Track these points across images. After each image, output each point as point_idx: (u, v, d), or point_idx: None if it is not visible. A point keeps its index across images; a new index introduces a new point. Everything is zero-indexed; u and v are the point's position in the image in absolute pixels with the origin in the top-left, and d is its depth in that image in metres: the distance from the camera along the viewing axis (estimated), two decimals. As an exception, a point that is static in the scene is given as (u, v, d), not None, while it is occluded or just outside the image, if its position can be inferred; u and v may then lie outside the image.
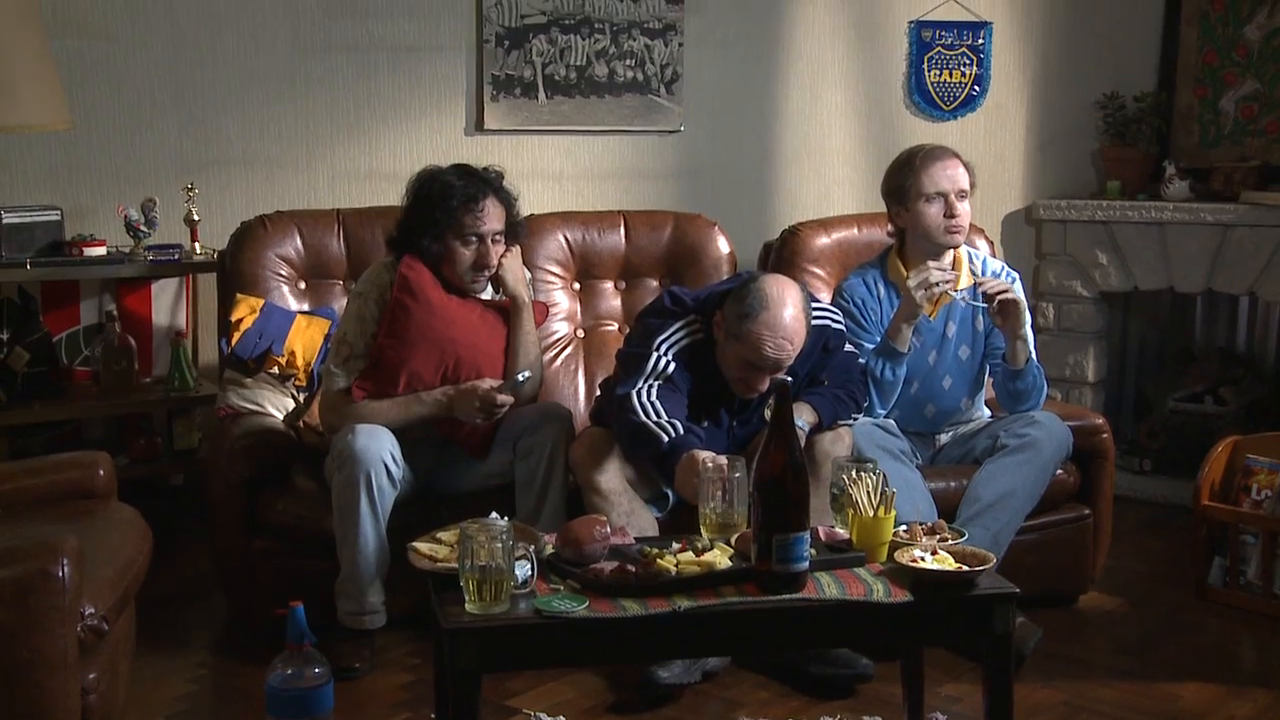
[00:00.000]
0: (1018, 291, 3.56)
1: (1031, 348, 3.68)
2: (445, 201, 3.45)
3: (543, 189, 4.54)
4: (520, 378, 3.42)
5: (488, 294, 3.61)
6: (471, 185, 3.49)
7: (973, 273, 3.71)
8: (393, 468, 3.29)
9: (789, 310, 3.16)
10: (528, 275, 3.69)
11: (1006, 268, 3.80)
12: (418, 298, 3.43)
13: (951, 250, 3.68)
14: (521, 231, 3.64)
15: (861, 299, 3.71)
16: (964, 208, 3.64)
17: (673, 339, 3.31)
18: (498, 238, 3.51)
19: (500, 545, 2.35)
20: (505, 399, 3.39)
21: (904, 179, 3.65)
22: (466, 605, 2.36)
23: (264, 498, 3.46)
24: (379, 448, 3.27)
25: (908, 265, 3.70)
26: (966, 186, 3.65)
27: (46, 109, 3.61)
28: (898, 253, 3.75)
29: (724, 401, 3.36)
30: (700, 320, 3.33)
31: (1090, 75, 5.09)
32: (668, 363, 3.27)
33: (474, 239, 3.47)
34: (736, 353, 3.22)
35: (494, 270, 3.53)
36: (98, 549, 2.75)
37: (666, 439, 3.10)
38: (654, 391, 3.24)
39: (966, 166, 3.68)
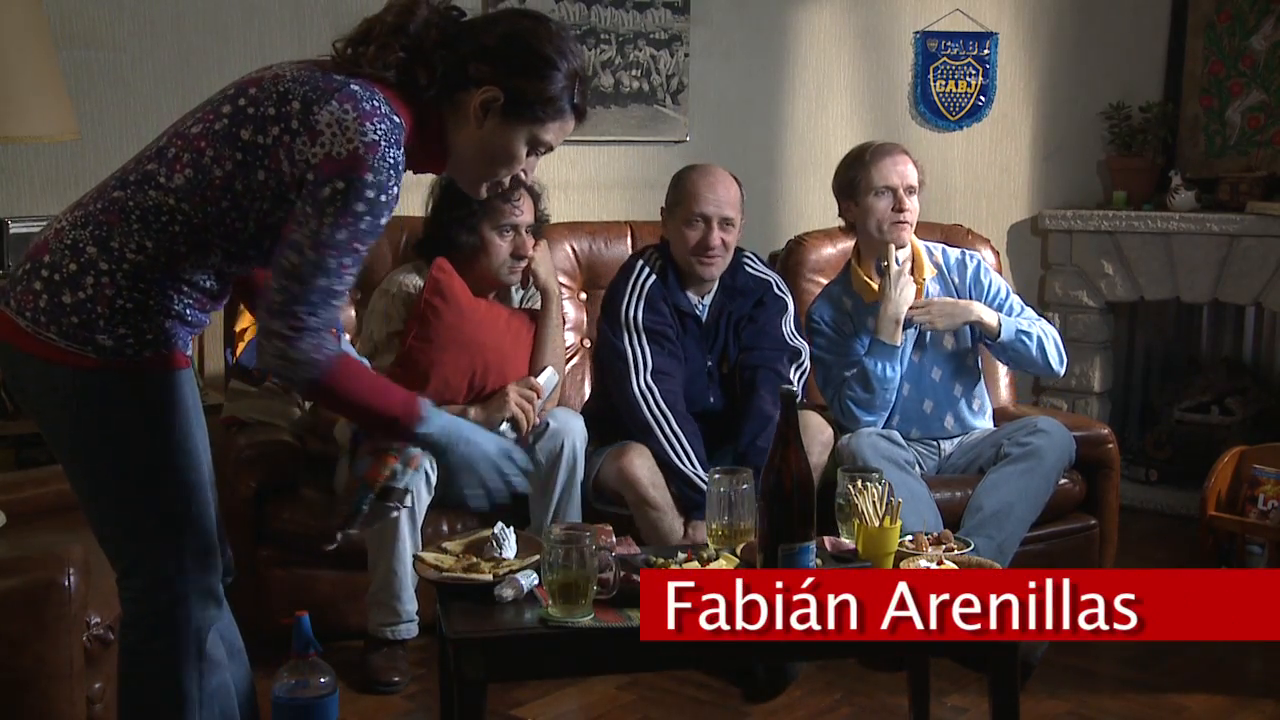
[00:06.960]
0: (955, 317, 3.67)
1: (1016, 316, 3.74)
2: None
3: (549, 199, 4.53)
4: (547, 374, 3.47)
5: (515, 300, 3.64)
6: None
7: (934, 264, 3.79)
8: (431, 475, 3.29)
9: (716, 170, 3.63)
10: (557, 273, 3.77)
11: (966, 254, 3.86)
12: (448, 300, 3.44)
13: (907, 247, 3.74)
14: (545, 222, 3.70)
15: (831, 319, 3.80)
16: (913, 203, 3.72)
17: (630, 296, 3.58)
18: (530, 229, 3.55)
19: (584, 550, 2.33)
20: (537, 383, 3.44)
21: (854, 174, 3.74)
22: (550, 610, 2.35)
23: (270, 507, 3.47)
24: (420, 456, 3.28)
25: (862, 263, 3.78)
26: (915, 183, 3.73)
27: (53, 119, 3.61)
28: (855, 256, 3.81)
29: (696, 339, 3.60)
30: (654, 249, 3.69)
31: (1096, 85, 5.09)
32: (637, 316, 3.54)
33: (509, 229, 3.52)
34: (680, 225, 3.54)
35: (527, 261, 3.55)
36: (103, 559, 2.75)
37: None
38: (651, 380, 3.46)
39: (916, 165, 3.76)
